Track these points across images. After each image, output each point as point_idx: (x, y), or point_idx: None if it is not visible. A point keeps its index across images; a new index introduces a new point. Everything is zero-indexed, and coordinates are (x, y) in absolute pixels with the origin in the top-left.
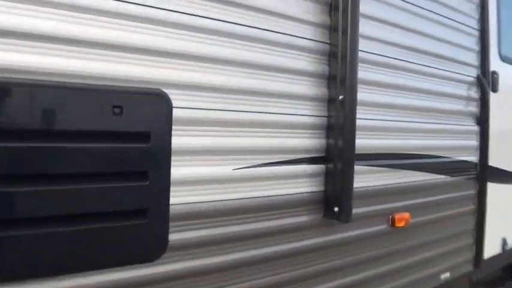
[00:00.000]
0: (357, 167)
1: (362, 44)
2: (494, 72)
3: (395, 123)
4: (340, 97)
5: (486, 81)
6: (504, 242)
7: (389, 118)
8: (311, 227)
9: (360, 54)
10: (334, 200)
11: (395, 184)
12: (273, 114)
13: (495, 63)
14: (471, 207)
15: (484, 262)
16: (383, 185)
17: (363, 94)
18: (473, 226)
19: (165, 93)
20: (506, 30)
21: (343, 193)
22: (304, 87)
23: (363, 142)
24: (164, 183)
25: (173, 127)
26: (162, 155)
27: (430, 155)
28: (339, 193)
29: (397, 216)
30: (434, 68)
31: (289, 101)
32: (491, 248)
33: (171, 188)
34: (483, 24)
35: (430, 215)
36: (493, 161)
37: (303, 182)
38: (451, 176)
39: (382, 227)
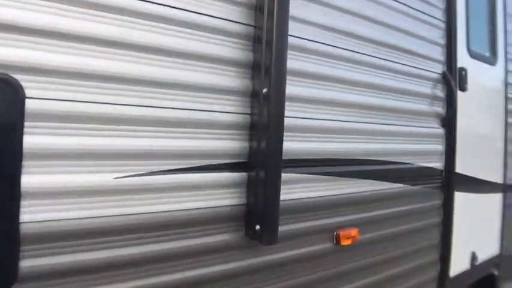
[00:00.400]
0: (287, 175)
1: (295, 29)
2: (462, 69)
3: (341, 123)
4: (264, 90)
5: (453, 79)
6: (473, 257)
7: (333, 117)
8: (230, 248)
9: (293, 40)
10: (255, 216)
11: (340, 195)
12: (177, 110)
13: (463, 59)
14: (436, 219)
15: (450, 280)
16: (324, 196)
17: (296, 88)
18: (438, 240)
19: (14, 79)
20: (476, 23)
21: (266, 207)
22: (222, 77)
23: (296, 145)
24: (11, 195)
25: (26, 123)
26: (9, 159)
27: (387, 161)
28: (262, 207)
29: (342, 232)
30: (393, 62)
31: (201, 94)
32: (458, 264)
33: (22, 202)
34: (450, 16)
35: (385, 229)
36: (461, 167)
37: (218, 194)
38: (412, 185)
39: (324, 245)
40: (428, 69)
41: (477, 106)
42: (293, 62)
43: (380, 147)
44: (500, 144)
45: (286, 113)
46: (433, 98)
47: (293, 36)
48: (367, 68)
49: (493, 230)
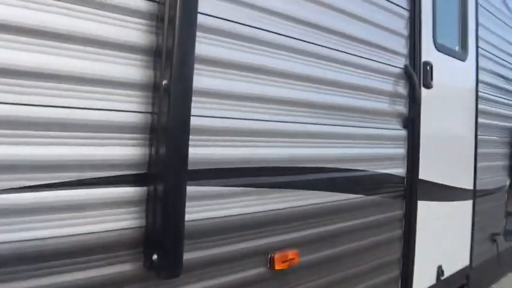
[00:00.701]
0: (196, 189)
1: (208, 4)
2: (427, 64)
3: (272, 124)
4: (164, 82)
5: (416, 74)
6: (439, 271)
7: (258, 117)
8: (126, 283)
9: (204, 19)
10: (152, 241)
11: (274, 211)
12: (49, 108)
13: (428, 53)
14: (397, 232)
15: None
16: (249, 213)
17: (208, 79)
18: (399, 256)
19: None
20: (444, 14)
21: (165, 231)
22: (113, 66)
23: (208, 151)
24: None
25: None
26: None
27: (337, 169)
28: (160, 231)
29: (277, 255)
30: (343, 52)
31: (83, 88)
32: (423, 280)
33: None
34: (415, 4)
35: (334, 248)
36: (425, 173)
37: (109, 215)
38: (368, 195)
39: (253, 272)
40: (387, 62)
41: (444, 105)
42: (204, 46)
43: (327, 152)
44: (470, 147)
45: (194, 111)
46: (393, 95)
47: (204, 14)
48: (308, 58)
49: (463, 240)
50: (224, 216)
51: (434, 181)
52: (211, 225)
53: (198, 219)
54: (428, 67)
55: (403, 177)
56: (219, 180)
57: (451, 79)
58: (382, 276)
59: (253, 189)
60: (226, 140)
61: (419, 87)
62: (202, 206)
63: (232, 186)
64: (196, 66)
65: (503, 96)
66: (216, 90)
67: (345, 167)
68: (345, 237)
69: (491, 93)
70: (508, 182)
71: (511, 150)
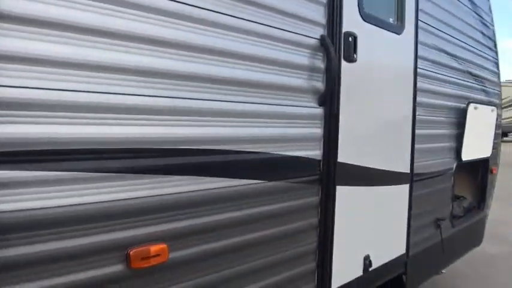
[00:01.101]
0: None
1: None
2: (349, 35)
3: (140, 99)
4: None
5: (334, 46)
6: (367, 262)
7: (120, 90)
8: None
9: None
10: None
11: (138, 200)
12: None
13: (352, 23)
14: (311, 220)
15: None
16: (87, 203)
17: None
18: (315, 245)
19: None
20: None
21: None
22: None
23: (20, 130)
24: None
25: None
26: None
27: (232, 151)
28: None
29: (135, 251)
30: (253, 22)
31: None
32: (345, 271)
33: None
34: None
35: (225, 240)
36: (347, 156)
37: None
38: (273, 180)
39: (107, 271)
40: (303, 33)
41: (373, 81)
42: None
43: (219, 132)
44: (406, 128)
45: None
46: (309, 69)
47: None
48: (209, 28)
49: (398, 227)
50: (57, 207)
51: (359, 164)
52: (35, 218)
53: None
54: (350, 38)
55: (319, 160)
56: (44, 164)
57: (382, 53)
58: (294, 269)
59: (91, 174)
60: (50, 116)
61: (339, 60)
62: (14, 196)
63: (64, 171)
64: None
65: (448, 74)
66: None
67: (242, 149)
68: (242, 228)
69: (433, 70)
70: (454, 165)
71: (458, 131)
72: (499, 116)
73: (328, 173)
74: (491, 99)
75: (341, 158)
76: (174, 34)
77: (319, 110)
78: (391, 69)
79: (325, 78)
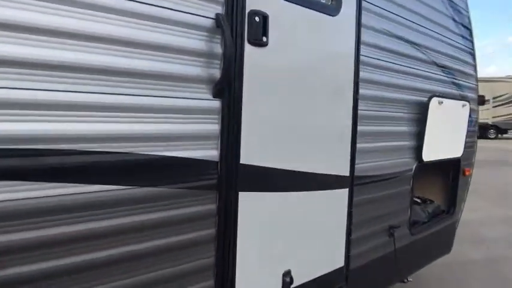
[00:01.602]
0: None
1: None
2: (256, 14)
3: None
4: None
5: (233, 27)
6: (287, 278)
7: None
8: None
9: None
10: None
11: None
12: None
13: (263, 1)
14: (207, 231)
15: None
16: None
17: None
18: (213, 260)
19: None
20: None
21: None
22: None
23: None
24: None
25: None
26: None
27: (95, 151)
28: None
29: None
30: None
31: None
32: None
33: None
34: None
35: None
36: (252, 156)
37: None
38: (153, 185)
39: None
40: (196, 12)
41: (294, 69)
42: None
43: (88, 128)
44: (344, 124)
45: None
46: (202, 55)
47: None
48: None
49: (334, 237)
50: None
51: (271, 166)
52: None
53: None
54: (257, 18)
55: (216, 162)
56: None
57: (309, 37)
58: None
59: None
60: None
61: (241, 44)
62: None
63: None
64: None
65: (403, 64)
66: None
67: (108, 149)
68: (108, 241)
69: (382, 58)
70: (414, 166)
71: (418, 128)
72: (474, 111)
73: (227, 177)
74: (464, 93)
75: (245, 159)
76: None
77: (215, 103)
78: (321, 56)
79: (223, 66)
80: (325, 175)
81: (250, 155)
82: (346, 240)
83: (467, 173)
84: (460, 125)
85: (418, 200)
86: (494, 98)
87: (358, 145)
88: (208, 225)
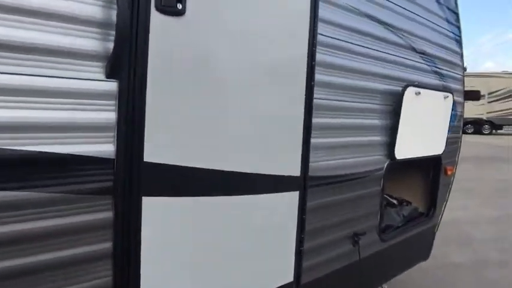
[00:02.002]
0: None
1: None
2: None
3: None
4: None
5: None
6: None
7: None
8: None
9: None
10: None
11: None
12: None
13: None
14: (100, 247)
15: None
16: None
17: None
18: (110, 284)
19: None
20: None
21: None
22: None
23: None
24: None
25: None
26: None
27: None
28: None
29: None
30: None
31: None
32: None
33: None
34: None
35: None
36: (160, 152)
37: None
38: (23, 190)
39: None
40: None
41: (224, 47)
42: None
43: None
44: (295, 115)
45: None
46: (93, 23)
47: None
48: None
49: (279, 248)
50: None
51: (191, 166)
52: None
53: None
54: None
55: (112, 160)
56: None
57: (245, 7)
58: None
59: None
60: None
61: (146, 11)
62: None
63: None
64: None
65: (373, 47)
66: None
67: None
68: None
69: (346, 39)
70: (385, 164)
71: (390, 121)
72: (458, 104)
73: (126, 178)
74: (447, 84)
75: (150, 156)
76: None
77: (110, 85)
78: (262, 32)
79: (116, 38)
80: (266, 176)
81: (157, 151)
82: (296, 251)
83: (449, 172)
84: (441, 119)
85: (395, 201)
86: (489, 93)
87: (312, 140)
88: (102, 239)
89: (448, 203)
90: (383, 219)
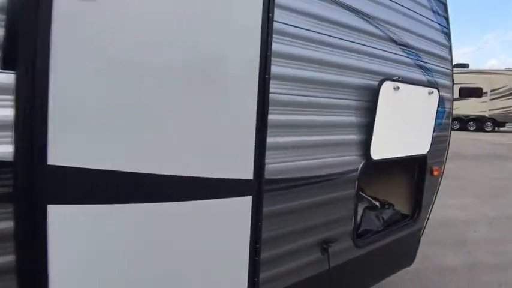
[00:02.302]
0: None
1: None
2: None
3: None
4: None
5: None
6: None
7: None
8: None
9: None
10: None
11: None
12: None
13: None
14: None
15: None
16: None
17: None
18: None
19: None
20: None
21: None
22: None
23: None
24: None
25: None
26: None
27: None
28: None
29: None
30: None
31: None
32: None
33: None
34: None
35: None
36: (69, 154)
37: None
38: None
39: None
40: None
41: (149, 32)
42: None
43: None
44: (245, 111)
45: None
46: None
47: None
48: None
49: (229, 260)
50: None
51: (110, 169)
52: None
53: None
54: None
55: (9, 163)
56: None
57: None
58: None
59: None
60: None
61: None
62: None
63: None
64: None
65: (340, 36)
66: None
67: None
68: None
69: (310, 27)
70: (360, 165)
71: (364, 119)
72: (446, 101)
73: (28, 184)
74: (433, 79)
75: (57, 159)
76: None
77: (3, 77)
78: (201, 16)
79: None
80: (208, 179)
81: (65, 152)
82: (250, 263)
83: (435, 173)
84: (425, 116)
85: (377, 203)
86: (492, 90)
87: (269, 140)
88: (2, 252)
89: (445, 201)
90: (360, 224)
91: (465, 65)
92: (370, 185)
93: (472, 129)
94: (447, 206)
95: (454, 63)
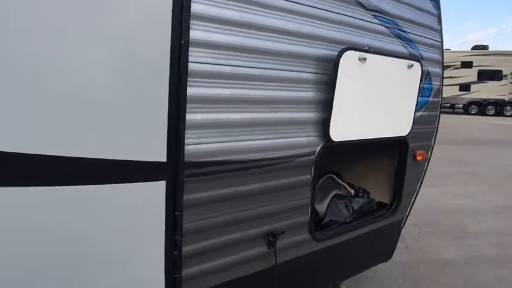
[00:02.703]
0: None
1: None
2: None
3: None
4: None
5: None
6: None
7: None
8: None
9: None
10: None
11: None
12: None
13: None
14: None
15: None
16: None
17: None
18: None
19: None
20: None
21: None
22: None
23: None
24: None
25: None
26: None
27: None
28: None
29: None
30: None
31: None
32: None
33: None
34: None
35: None
36: None
37: None
38: None
39: None
40: None
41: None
42: None
43: None
44: (154, 83)
45: None
46: None
47: None
48: None
49: (140, 252)
50: None
51: None
52: None
53: None
54: None
55: None
56: None
57: None
58: None
59: None
60: None
61: None
62: None
63: None
64: None
65: None
66: None
67: None
68: None
69: None
70: (318, 148)
71: (320, 94)
72: (433, 76)
73: None
74: (416, 51)
75: None
76: None
77: None
78: None
79: None
80: (103, 161)
81: None
82: (167, 257)
83: (419, 158)
84: (404, 92)
85: (351, 191)
86: None
87: (189, 116)
88: None
89: (452, 189)
90: (326, 214)
91: (485, 47)
92: (350, 171)
93: (490, 113)
94: (453, 194)
95: (473, 44)
